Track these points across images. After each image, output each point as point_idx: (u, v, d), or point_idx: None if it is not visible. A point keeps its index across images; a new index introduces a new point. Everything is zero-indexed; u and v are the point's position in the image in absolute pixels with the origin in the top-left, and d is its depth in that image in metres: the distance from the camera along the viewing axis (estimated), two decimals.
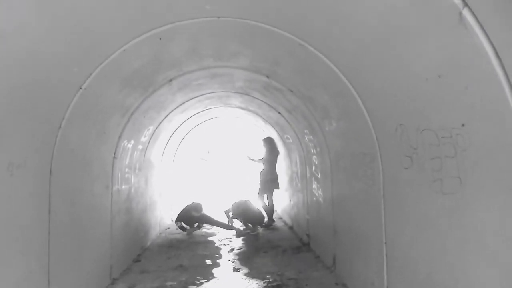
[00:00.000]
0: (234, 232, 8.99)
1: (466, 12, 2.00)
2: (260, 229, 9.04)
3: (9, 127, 2.95)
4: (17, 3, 2.50)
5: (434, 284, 2.81)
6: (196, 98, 7.66)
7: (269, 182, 10.00)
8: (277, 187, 10.06)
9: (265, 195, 10.02)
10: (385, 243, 3.68)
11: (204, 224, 9.35)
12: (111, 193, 5.41)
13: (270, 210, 9.84)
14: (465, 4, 2.00)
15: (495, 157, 2.09)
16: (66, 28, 3.10)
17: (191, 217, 9.03)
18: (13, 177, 3.03)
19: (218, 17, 3.91)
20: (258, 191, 10.15)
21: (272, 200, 9.98)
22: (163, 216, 9.45)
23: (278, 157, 10.05)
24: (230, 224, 9.38)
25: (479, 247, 2.30)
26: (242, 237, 8.59)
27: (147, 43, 4.15)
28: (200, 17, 3.90)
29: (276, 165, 10.07)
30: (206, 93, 7.55)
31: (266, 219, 9.58)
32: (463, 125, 2.32)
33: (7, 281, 3.01)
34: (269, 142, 10.01)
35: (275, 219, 10.19)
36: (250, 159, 10.65)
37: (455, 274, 2.55)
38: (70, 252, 4.10)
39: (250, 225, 9.08)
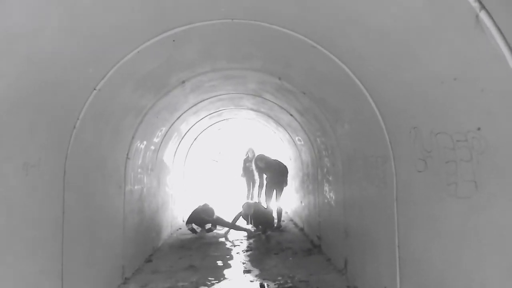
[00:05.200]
0: (245, 233, 9.01)
1: (483, 15, 1.98)
2: (269, 232, 9.04)
3: (25, 127, 3.00)
4: (35, 5, 2.54)
5: None
6: (208, 100, 7.69)
7: (276, 184, 9.94)
8: (285, 186, 10.07)
9: (273, 193, 9.94)
10: (398, 246, 3.64)
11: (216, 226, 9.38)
12: (124, 193, 5.45)
13: (278, 212, 9.82)
14: (482, 7, 1.98)
15: None
16: (82, 29, 3.13)
17: (202, 219, 9.07)
18: (28, 177, 3.08)
19: (232, 19, 3.92)
20: (265, 192, 10.12)
21: (279, 200, 9.91)
22: (175, 216, 9.50)
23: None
24: (241, 225, 9.38)
25: (495, 253, 2.26)
26: (253, 239, 8.60)
27: (161, 45, 4.17)
28: (214, 19, 3.91)
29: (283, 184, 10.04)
30: (219, 95, 7.58)
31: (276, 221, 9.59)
32: (479, 128, 2.29)
33: (22, 278, 3.06)
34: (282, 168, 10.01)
35: (284, 220, 10.18)
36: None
37: (470, 281, 2.52)
38: (83, 251, 4.14)
39: (261, 226, 9.08)
